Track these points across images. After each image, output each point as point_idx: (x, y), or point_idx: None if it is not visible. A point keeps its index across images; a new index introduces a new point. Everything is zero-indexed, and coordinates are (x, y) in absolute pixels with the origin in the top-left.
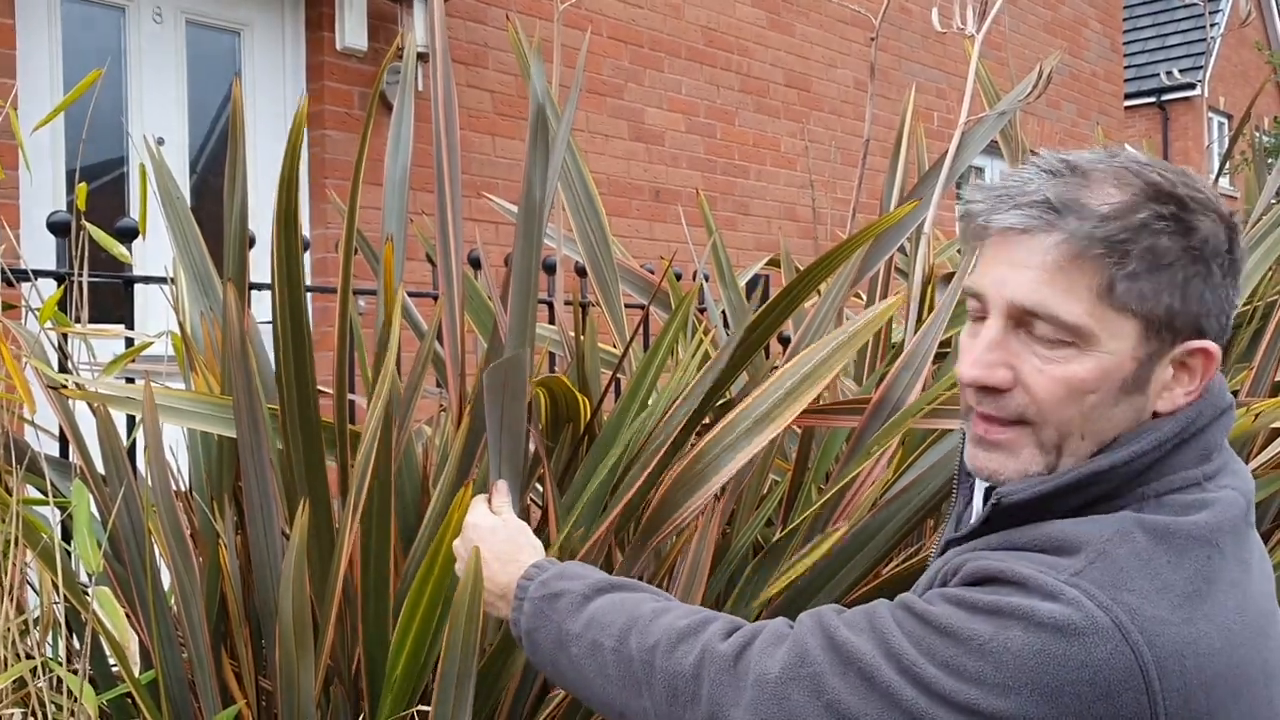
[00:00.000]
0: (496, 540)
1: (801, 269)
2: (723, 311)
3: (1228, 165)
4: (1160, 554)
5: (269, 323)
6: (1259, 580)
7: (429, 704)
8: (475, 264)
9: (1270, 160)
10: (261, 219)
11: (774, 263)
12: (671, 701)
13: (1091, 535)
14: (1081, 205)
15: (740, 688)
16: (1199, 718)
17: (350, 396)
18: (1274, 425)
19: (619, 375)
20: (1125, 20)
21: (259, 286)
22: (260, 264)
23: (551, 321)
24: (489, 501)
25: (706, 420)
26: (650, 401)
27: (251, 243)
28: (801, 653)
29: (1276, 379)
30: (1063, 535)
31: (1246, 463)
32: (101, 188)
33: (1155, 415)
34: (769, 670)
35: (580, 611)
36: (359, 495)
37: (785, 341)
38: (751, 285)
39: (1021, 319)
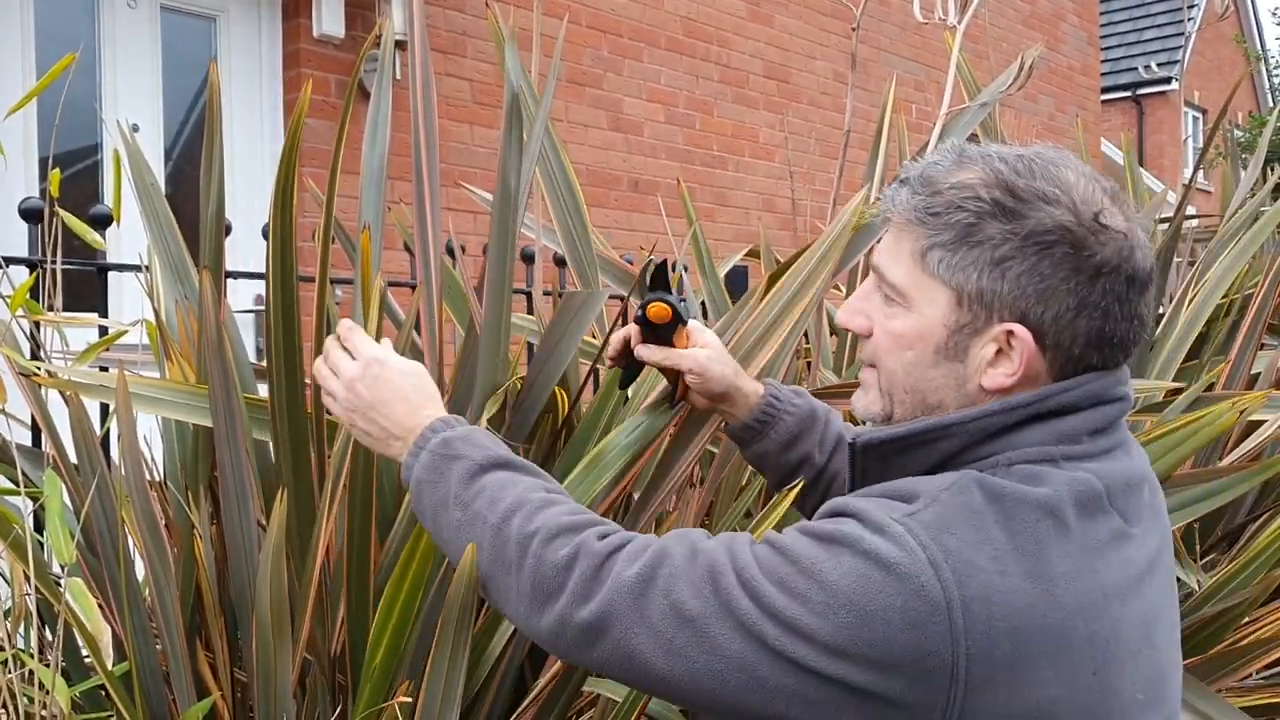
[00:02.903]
0: (405, 381)
1: (781, 260)
2: (702, 302)
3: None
4: (990, 510)
5: (244, 311)
6: (1109, 563)
7: (406, 694)
8: (453, 253)
9: (1245, 156)
10: (237, 208)
11: (753, 253)
12: (536, 589)
13: (931, 486)
14: (930, 182)
15: (601, 581)
16: (1002, 665)
17: None
18: (1251, 419)
19: (598, 366)
20: (1102, 14)
21: (235, 275)
22: (235, 252)
23: (530, 312)
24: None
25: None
26: (629, 394)
27: (228, 231)
28: (662, 555)
29: (1253, 372)
30: (908, 485)
31: (1221, 458)
32: (76, 176)
33: (983, 390)
34: (629, 569)
35: (473, 480)
36: (336, 484)
37: None
38: (739, 277)
39: (878, 277)
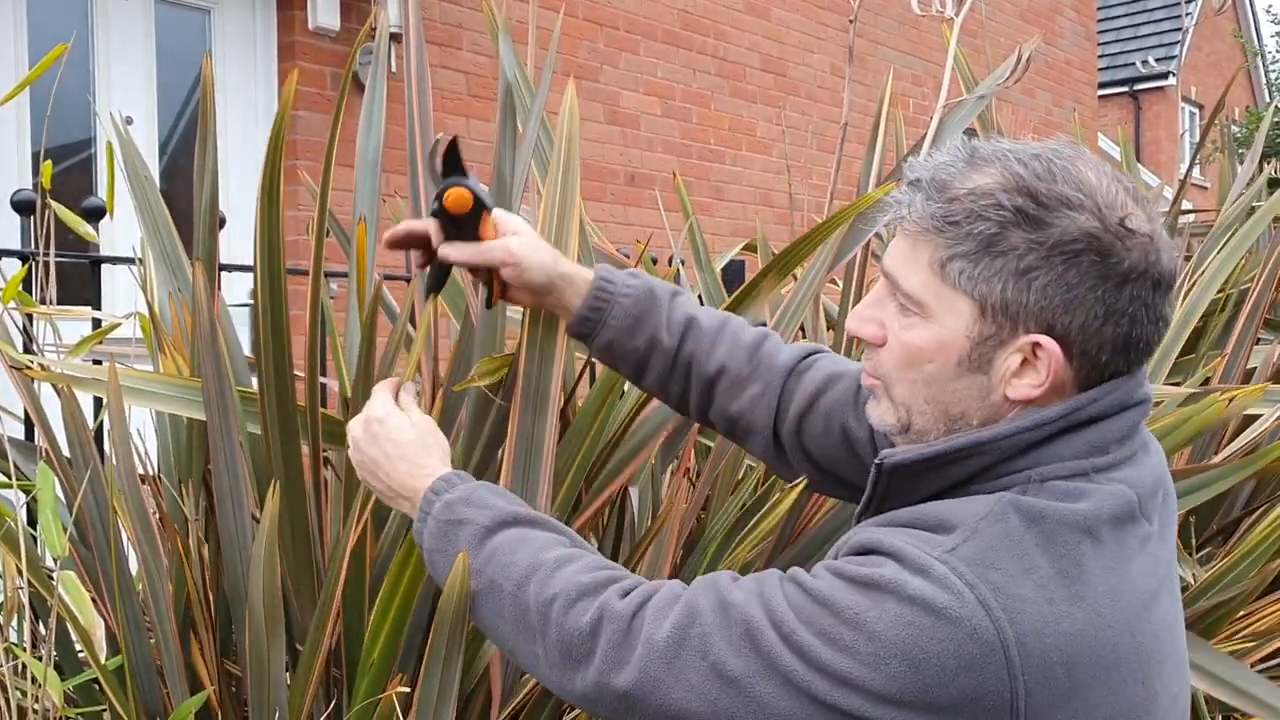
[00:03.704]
0: (404, 439)
1: (778, 253)
2: (699, 296)
3: (1199, 156)
4: (1030, 536)
5: (238, 305)
6: (1141, 569)
7: (401, 687)
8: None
9: (1241, 151)
10: (231, 200)
11: (750, 247)
12: (565, 657)
13: (966, 514)
14: (944, 187)
15: (632, 646)
16: (1060, 693)
17: (322, 380)
18: (1247, 412)
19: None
20: (1099, 10)
21: (229, 268)
22: (229, 245)
23: None
24: (394, 397)
25: None
26: (626, 387)
27: (221, 223)
28: (693, 613)
29: (1249, 366)
30: (940, 514)
31: (1217, 452)
32: (69, 169)
33: (1008, 401)
34: (659, 630)
35: (482, 545)
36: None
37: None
38: (736, 271)
39: (892, 285)
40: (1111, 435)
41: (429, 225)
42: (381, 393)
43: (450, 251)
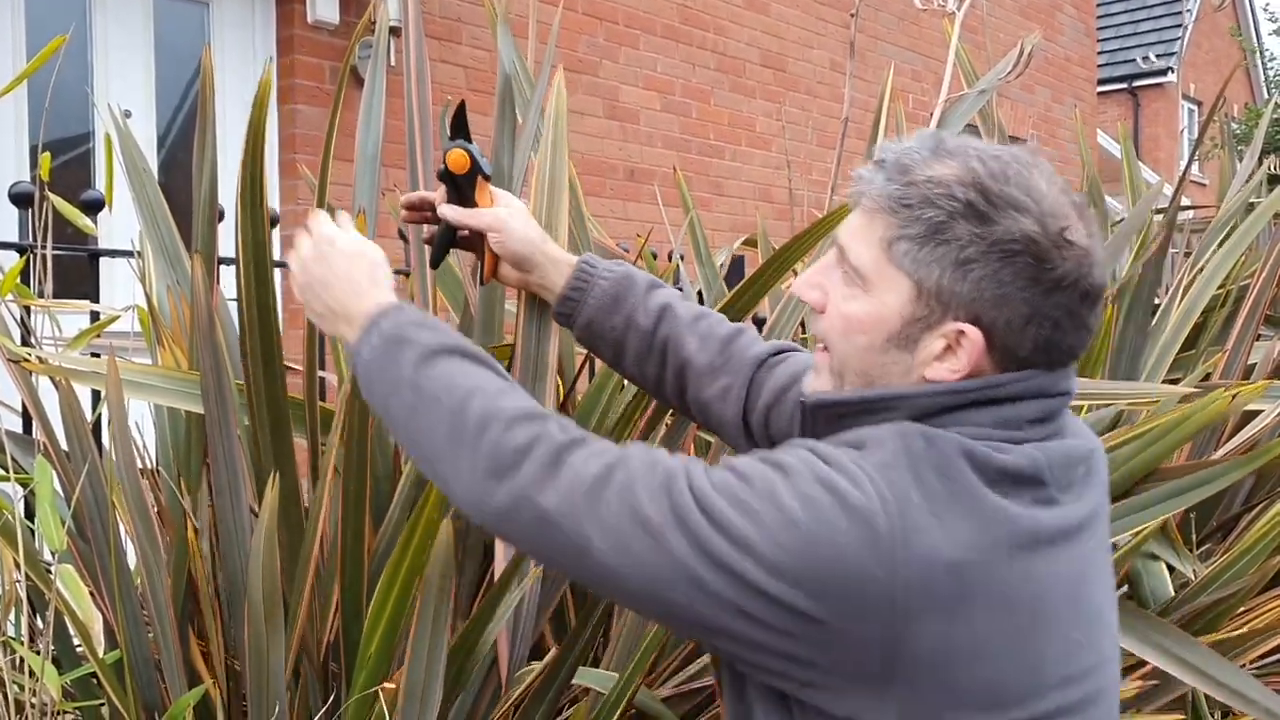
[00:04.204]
0: (354, 263)
1: (778, 249)
2: (699, 291)
3: (1198, 152)
4: (931, 457)
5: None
6: (1039, 523)
7: (397, 681)
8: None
9: (1241, 148)
10: (230, 193)
11: (750, 243)
12: (492, 468)
13: (879, 434)
14: (906, 170)
15: (561, 472)
16: (939, 598)
17: (321, 374)
18: (1247, 408)
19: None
20: (1098, 5)
21: (228, 261)
22: (229, 238)
23: None
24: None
25: None
26: (626, 383)
27: (220, 216)
28: (623, 459)
29: (1249, 362)
30: (858, 435)
31: (1217, 448)
32: (67, 163)
33: (925, 381)
34: (589, 467)
35: (428, 364)
36: (330, 462)
37: (760, 323)
38: (736, 268)
39: (841, 255)
40: (1025, 415)
41: (438, 194)
42: (323, 215)
43: (445, 210)
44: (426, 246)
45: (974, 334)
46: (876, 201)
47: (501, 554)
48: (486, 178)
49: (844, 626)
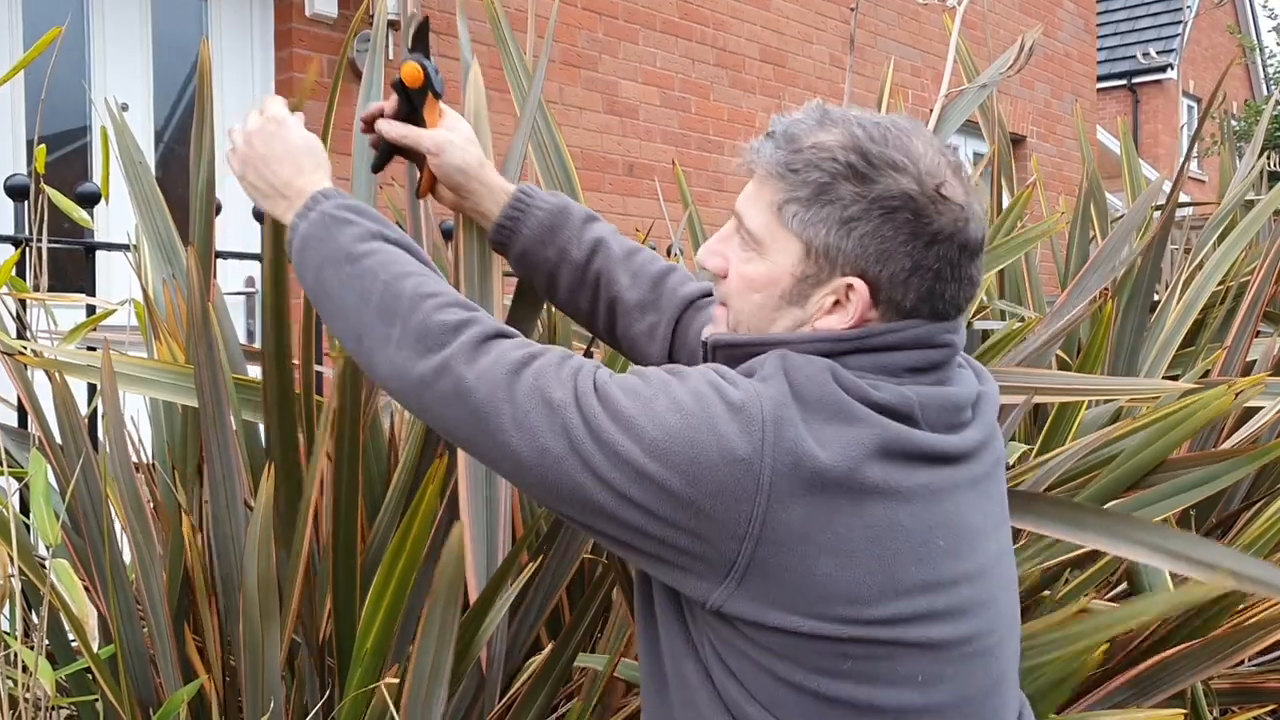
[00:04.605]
0: (298, 145)
1: None
2: None
3: (1195, 149)
4: (807, 370)
5: (234, 293)
6: (913, 449)
7: (395, 676)
8: (447, 235)
9: (1241, 145)
10: (228, 187)
11: None
12: (419, 341)
13: (763, 359)
14: (793, 139)
15: (487, 352)
16: (802, 486)
17: (317, 368)
18: (1247, 405)
19: (593, 350)
20: (1098, 1)
21: (224, 255)
22: (225, 232)
23: None
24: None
25: None
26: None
27: (217, 210)
28: (544, 352)
29: (1249, 359)
30: (746, 366)
31: (1218, 444)
32: (64, 157)
33: (816, 332)
34: (513, 353)
35: (366, 242)
36: (323, 457)
37: None
38: None
39: (738, 222)
40: (903, 364)
41: (389, 103)
42: (277, 99)
43: (385, 126)
44: (372, 151)
45: (861, 286)
46: (767, 169)
47: (500, 552)
48: (438, 96)
49: (714, 508)
